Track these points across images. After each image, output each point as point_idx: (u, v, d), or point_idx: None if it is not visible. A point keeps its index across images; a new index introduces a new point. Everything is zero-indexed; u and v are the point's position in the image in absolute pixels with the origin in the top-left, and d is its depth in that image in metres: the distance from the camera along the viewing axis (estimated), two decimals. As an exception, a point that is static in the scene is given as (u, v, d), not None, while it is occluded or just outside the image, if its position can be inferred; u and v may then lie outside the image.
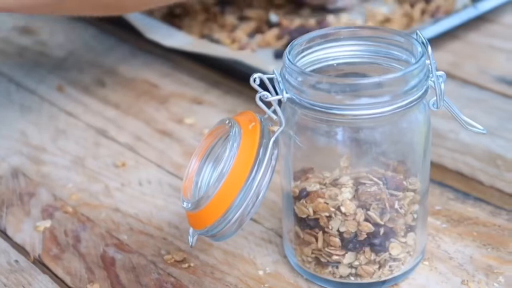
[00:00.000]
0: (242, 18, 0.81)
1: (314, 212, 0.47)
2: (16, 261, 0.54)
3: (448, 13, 0.78)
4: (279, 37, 0.76)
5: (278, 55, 0.73)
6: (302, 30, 0.74)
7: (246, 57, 0.70)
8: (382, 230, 0.47)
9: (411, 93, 0.44)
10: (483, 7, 0.78)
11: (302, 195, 0.48)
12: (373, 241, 0.47)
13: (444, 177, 0.59)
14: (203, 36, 0.78)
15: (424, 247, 0.51)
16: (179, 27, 0.79)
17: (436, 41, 0.74)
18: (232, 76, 0.74)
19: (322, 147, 0.47)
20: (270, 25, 0.78)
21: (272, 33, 0.76)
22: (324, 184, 0.47)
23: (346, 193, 0.47)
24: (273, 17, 0.80)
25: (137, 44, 0.82)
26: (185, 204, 0.48)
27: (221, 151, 0.49)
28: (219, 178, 0.46)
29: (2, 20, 0.90)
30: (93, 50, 0.83)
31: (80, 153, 0.65)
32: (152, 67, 0.79)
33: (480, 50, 0.77)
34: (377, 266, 0.48)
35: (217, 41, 0.76)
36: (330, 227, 0.47)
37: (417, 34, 0.47)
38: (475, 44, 0.78)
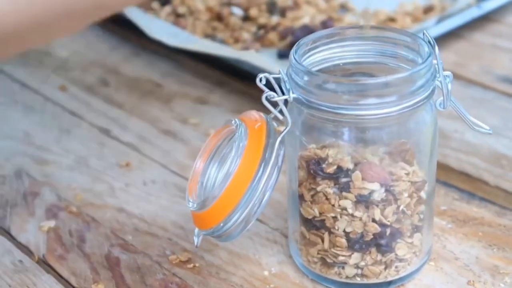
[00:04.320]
0: (246, 19, 0.80)
1: (320, 213, 0.47)
2: (21, 261, 0.54)
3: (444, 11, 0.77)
4: (282, 37, 0.76)
5: (282, 55, 0.73)
6: (306, 30, 0.73)
7: (250, 57, 0.70)
8: (388, 231, 0.47)
9: (418, 93, 0.44)
10: (487, 7, 0.78)
11: (308, 196, 0.48)
12: (379, 242, 0.47)
13: (449, 177, 0.59)
14: (206, 35, 0.77)
15: (430, 248, 0.51)
16: (182, 26, 0.79)
17: (440, 41, 0.74)
18: (236, 76, 0.74)
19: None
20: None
21: (276, 33, 0.76)
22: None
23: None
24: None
25: (140, 44, 0.82)
26: (190, 204, 0.48)
27: (226, 151, 0.49)
28: (225, 178, 0.45)
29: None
30: (96, 49, 0.82)
31: (84, 153, 0.65)
32: (156, 67, 0.78)
33: (484, 50, 0.77)
34: (383, 267, 0.48)
35: (220, 41, 0.76)
36: (336, 228, 0.47)
37: (424, 34, 0.46)
38: (479, 44, 0.78)
